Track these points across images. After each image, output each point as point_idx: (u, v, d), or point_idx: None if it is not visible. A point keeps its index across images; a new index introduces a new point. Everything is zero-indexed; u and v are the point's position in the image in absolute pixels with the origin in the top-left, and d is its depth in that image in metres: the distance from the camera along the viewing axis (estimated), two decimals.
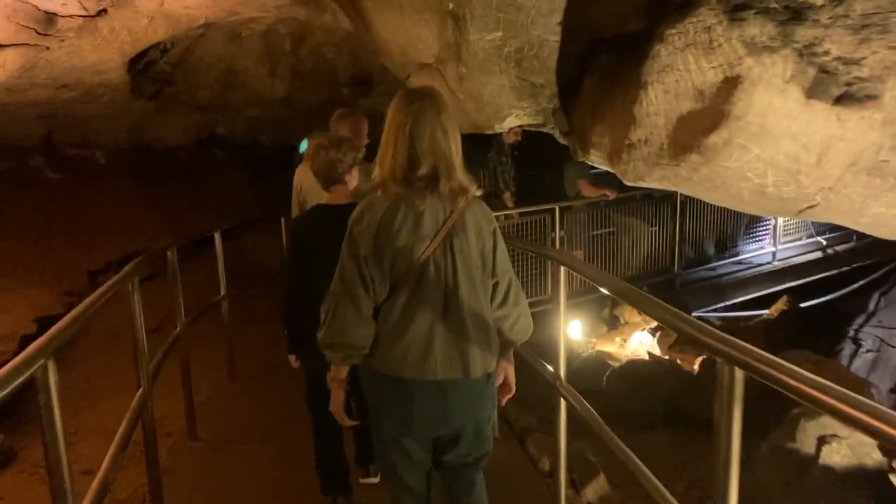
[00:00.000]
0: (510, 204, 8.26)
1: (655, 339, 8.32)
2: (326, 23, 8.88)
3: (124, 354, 7.32)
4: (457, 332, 2.07)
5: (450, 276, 2.06)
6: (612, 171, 5.23)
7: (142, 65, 9.09)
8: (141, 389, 3.32)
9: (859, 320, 11.67)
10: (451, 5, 5.22)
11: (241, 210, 11.45)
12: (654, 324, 8.57)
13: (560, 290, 3.03)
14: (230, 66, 10.54)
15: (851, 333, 11.34)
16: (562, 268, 2.96)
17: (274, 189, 11.57)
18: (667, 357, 8.04)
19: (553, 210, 8.19)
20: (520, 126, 6.26)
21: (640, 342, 8.40)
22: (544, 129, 6.32)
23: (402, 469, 2.29)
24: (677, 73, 4.18)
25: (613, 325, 9.23)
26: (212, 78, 10.55)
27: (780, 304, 9.01)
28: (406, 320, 2.07)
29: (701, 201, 9.82)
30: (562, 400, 2.97)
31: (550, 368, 3.22)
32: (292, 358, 3.36)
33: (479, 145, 8.08)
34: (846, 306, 11.63)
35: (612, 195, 8.45)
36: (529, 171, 8.57)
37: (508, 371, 2.39)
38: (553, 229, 8.31)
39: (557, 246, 8.30)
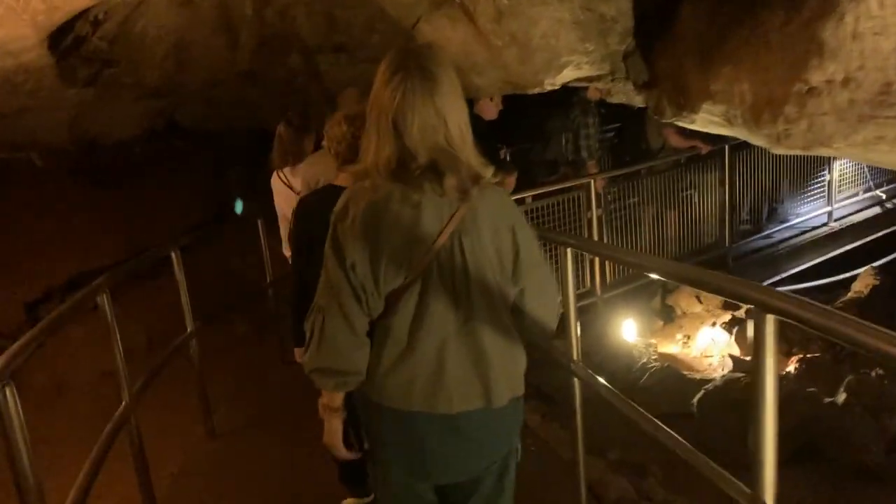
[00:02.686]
0: (595, 170, 6.90)
1: (733, 337, 6.59)
2: None
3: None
4: (473, 352, 1.72)
5: (460, 282, 1.67)
6: (747, 135, 3.43)
7: (69, 42, 7.09)
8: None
9: None
10: None
11: (211, 208, 9.63)
12: (726, 316, 6.84)
13: (567, 272, 2.75)
14: (181, 40, 8.57)
15: None
16: (568, 249, 2.74)
17: (247, 179, 9.94)
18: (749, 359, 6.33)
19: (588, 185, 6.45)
20: (579, 80, 4.43)
21: (712, 340, 6.68)
22: (602, 85, 4.50)
23: None
24: None
25: (668, 317, 7.51)
26: (160, 55, 8.59)
27: (869, 279, 7.32)
28: (409, 340, 1.71)
29: (751, 160, 8.23)
30: (576, 381, 2.80)
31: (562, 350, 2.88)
32: (299, 352, 2.82)
33: (556, 103, 6.78)
34: None
35: (704, 148, 7.18)
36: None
37: None
38: (589, 208, 6.58)
39: (595, 229, 6.65)
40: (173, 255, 4.61)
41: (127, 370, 3.33)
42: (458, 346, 1.72)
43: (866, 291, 7.10)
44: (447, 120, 1.61)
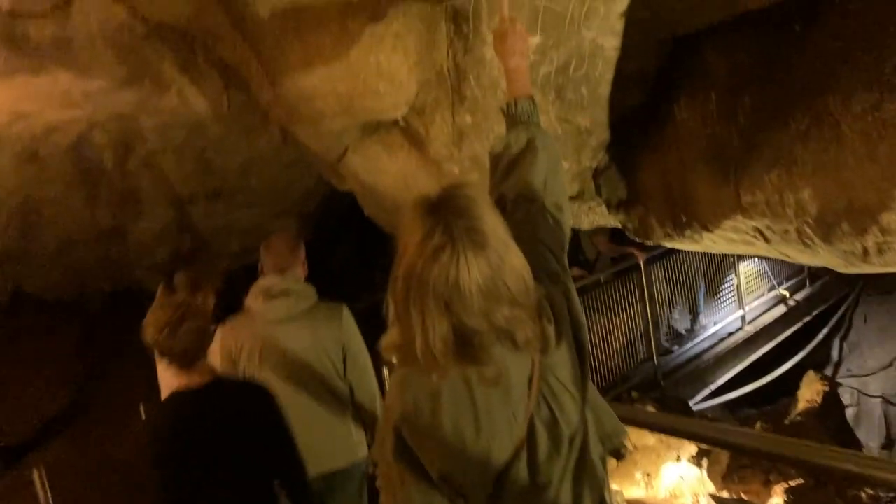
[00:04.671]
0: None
1: (704, 471, 5.80)
2: (166, 113, 5.96)
3: None
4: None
5: (557, 435, 1.35)
6: (803, 253, 2.73)
7: None
8: None
9: (828, 371, 9.96)
10: None
11: (70, 391, 8.10)
12: (690, 447, 6.07)
13: None
14: (28, 199, 7.29)
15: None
16: None
17: (113, 354, 8.47)
18: (727, 495, 5.56)
19: None
20: None
21: (679, 478, 5.85)
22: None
23: None
24: None
25: (618, 453, 6.63)
26: (2, 219, 7.24)
27: (816, 385, 6.88)
28: None
29: (666, 269, 7.87)
30: None
31: None
32: None
33: None
34: (813, 359, 9.88)
35: (641, 256, 6.80)
36: None
37: None
38: None
39: None
40: None
41: None
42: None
43: (819, 399, 6.61)
44: (505, 276, 1.27)
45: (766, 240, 2.86)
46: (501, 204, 1.54)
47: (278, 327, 2.73)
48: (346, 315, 2.86)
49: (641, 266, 7.48)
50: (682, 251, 7.29)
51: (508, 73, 1.82)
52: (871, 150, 2.24)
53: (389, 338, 1.37)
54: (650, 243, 3.66)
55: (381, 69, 2.93)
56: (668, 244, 3.61)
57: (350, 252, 9.78)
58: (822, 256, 2.65)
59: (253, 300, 2.79)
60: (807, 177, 2.47)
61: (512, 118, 1.74)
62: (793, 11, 2.80)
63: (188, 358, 2.21)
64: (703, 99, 2.98)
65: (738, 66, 2.88)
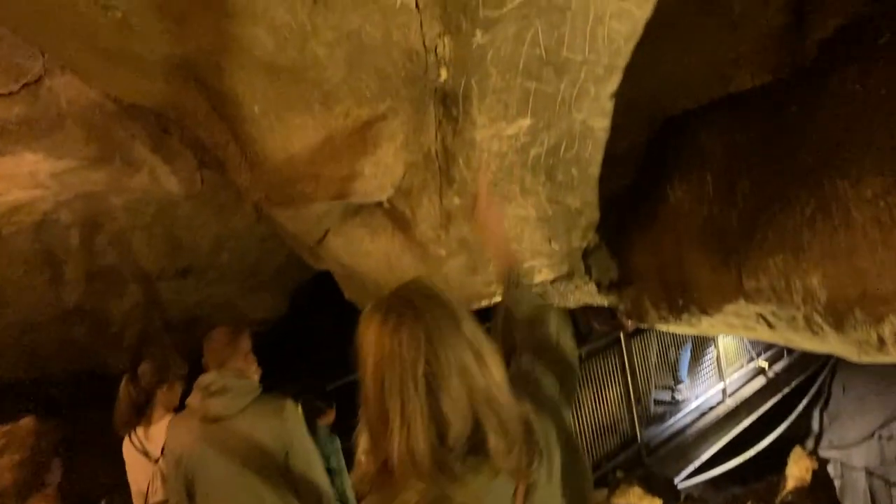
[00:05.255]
0: None
1: None
2: (135, 192, 5.79)
3: None
4: None
5: None
6: (811, 340, 2.60)
7: None
8: None
9: (810, 443, 9.81)
10: (441, 75, 2.49)
11: (28, 481, 7.41)
12: None
13: None
14: None
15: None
16: None
17: (76, 441, 8.02)
18: None
19: None
20: (537, 284, 3.53)
21: None
22: (554, 289, 3.66)
23: None
24: None
25: None
26: None
27: (804, 461, 6.71)
28: None
29: (645, 343, 7.76)
30: None
31: None
32: None
33: None
34: (795, 431, 9.74)
35: (630, 326, 6.22)
36: None
37: None
38: None
39: None
40: None
41: None
42: None
43: (808, 476, 6.43)
44: (484, 356, 1.20)
45: (770, 326, 2.73)
46: (510, 351, 1.53)
47: (215, 426, 2.66)
48: (290, 410, 2.78)
49: (622, 339, 7.36)
50: None
51: (492, 240, 1.96)
52: (885, 236, 2.14)
53: (361, 452, 1.26)
54: (644, 326, 3.51)
55: (367, 151, 2.80)
56: (664, 327, 3.47)
57: (328, 327, 9.51)
58: (832, 345, 2.51)
59: (192, 398, 2.76)
60: (815, 262, 2.36)
61: (514, 283, 1.84)
62: (787, 92, 2.75)
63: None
64: (699, 179, 2.89)
65: (734, 146, 2.80)
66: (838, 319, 2.36)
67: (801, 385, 9.97)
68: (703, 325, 3.13)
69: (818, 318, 2.43)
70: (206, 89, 2.78)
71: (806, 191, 2.39)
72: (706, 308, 2.95)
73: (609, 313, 6.09)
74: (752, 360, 9.32)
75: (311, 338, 8.97)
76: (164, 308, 8.88)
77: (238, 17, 2.33)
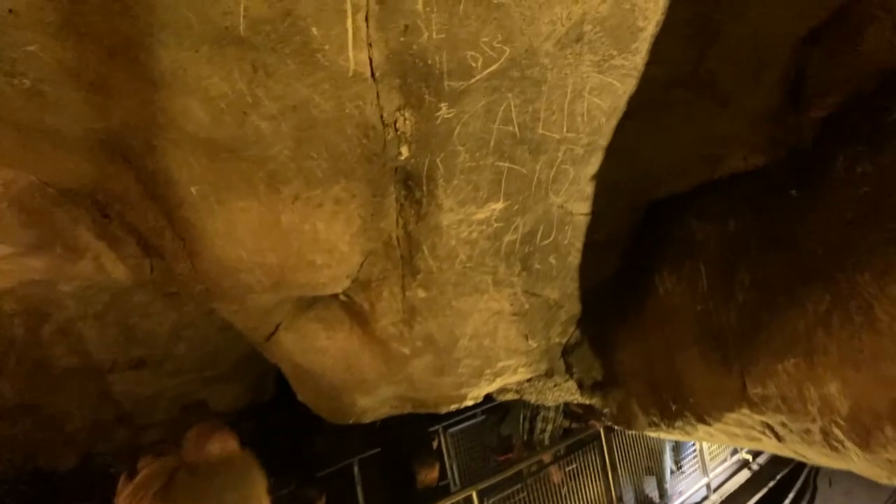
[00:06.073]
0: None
1: None
2: (82, 279, 5.38)
3: None
4: None
5: None
6: (829, 456, 2.22)
7: None
8: None
9: None
10: (402, 153, 2.18)
11: None
12: None
13: None
14: None
15: None
16: None
17: None
18: None
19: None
20: (505, 387, 3.16)
21: None
22: (530, 387, 3.28)
23: None
24: None
25: None
26: None
27: None
28: None
29: (627, 437, 7.29)
30: None
31: None
32: None
33: None
34: None
35: (598, 425, 6.17)
36: None
37: None
38: None
39: None
40: None
41: None
42: None
43: None
44: None
45: (779, 438, 2.36)
46: None
47: None
48: None
49: (602, 434, 6.90)
50: None
51: None
52: None
53: None
54: (632, 432, 3.11)
55: (319, 238, 2.45)
56: (654, 434, 3.08)
57: (285, 423, 8.96)
58: (855, 463, 2.15)
59: None
60: (833, 368, 2.02)
61: None
62: (783, 175, 2.47)
63: None
64: (691, 270, 2.57)
65: (728, 235, 2.50)
66: (863, 435, 2.00)
67: (787, 478, 9.48)
68: (700, 434, 2.75)
69: (838, 433, 2.07)
70: (136, 169, 2.43)
71: (818, 285, 2.07)
72: (704, 415, 2.58)
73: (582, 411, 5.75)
74: (735, 452, 8.87)
75: (299, 424, 8.43)
76: (117, 402, 8.33)
77: (167, 87, 2.01)
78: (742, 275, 2.38)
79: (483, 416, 7.55)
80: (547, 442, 6.02)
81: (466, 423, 7.71)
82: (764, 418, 2.34)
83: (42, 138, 2.33)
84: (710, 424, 2.60)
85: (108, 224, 4.12)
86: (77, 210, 4.21)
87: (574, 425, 6.45)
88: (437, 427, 7.35)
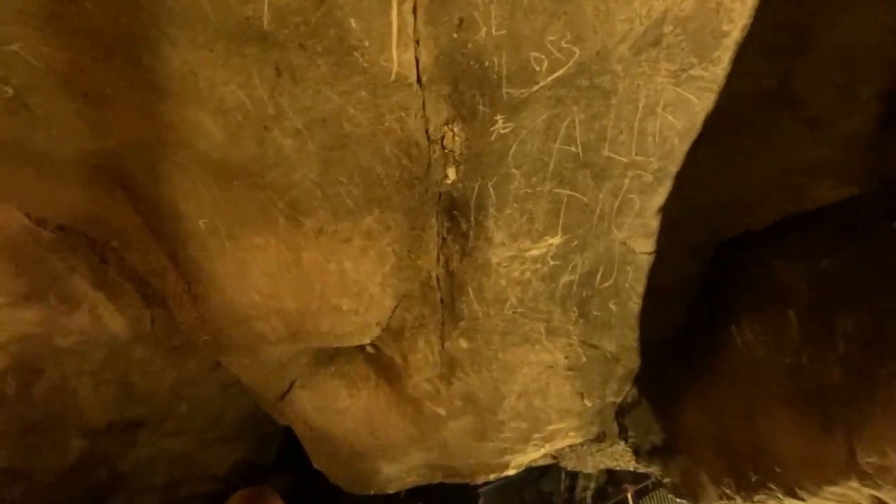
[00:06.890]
0: None
1: None
2: (77, 333, 4.95)
3: None
4: None
5: None
6: None
7: None
8: None
9: None
10: (449, 176, 1.84)
11: None
12: None
13: None
14: None
15: None
16: None
17: None
18: None
19: None
20: (557, 451, 2.76)
21: None
22: (572, 454, 2.88)
23: None
24: None
25: None
26: None
27: None
28: None
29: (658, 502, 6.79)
30: None
31: None
32: None
33: None
34: None
35: (630, 488, 5.86)
36: None
37: None
38: None
39: None
40: None
41: None
42: None
43: None
44: None
45: None
46: None
47: None
48: None
49: (629, 501, 6.44)
50: None
51: None
52: None
53: None
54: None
55: (346, 279, 2.10)
56: None
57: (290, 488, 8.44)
58: None
59: None
60: None
61: None
62: (880, 207, 2.13)
63: None
64: (777, 319, 2.20)
65: (821, 276, 2.14)
66: None
67: None
68: None
69: None
70: (137, 199, 2.10)
71: None
72: (795, 488, 2.18)
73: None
74: None
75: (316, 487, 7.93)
76: (112, 464, 7.84)
77: (175, 96, 1.69)
78: (844, 321, 2.01)
79: (522, 470, 7.08)
80: (589, 501, 5.61)
81: (504, 479, 7.23)
82: (876, 493, 1.95)
83: (30, 164, 2.00)
84: (802, 499, 2.19)
85: (106, 270, 3.78)
86: (74, 257, 3.87)
87: (610, 488, 6.04)
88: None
